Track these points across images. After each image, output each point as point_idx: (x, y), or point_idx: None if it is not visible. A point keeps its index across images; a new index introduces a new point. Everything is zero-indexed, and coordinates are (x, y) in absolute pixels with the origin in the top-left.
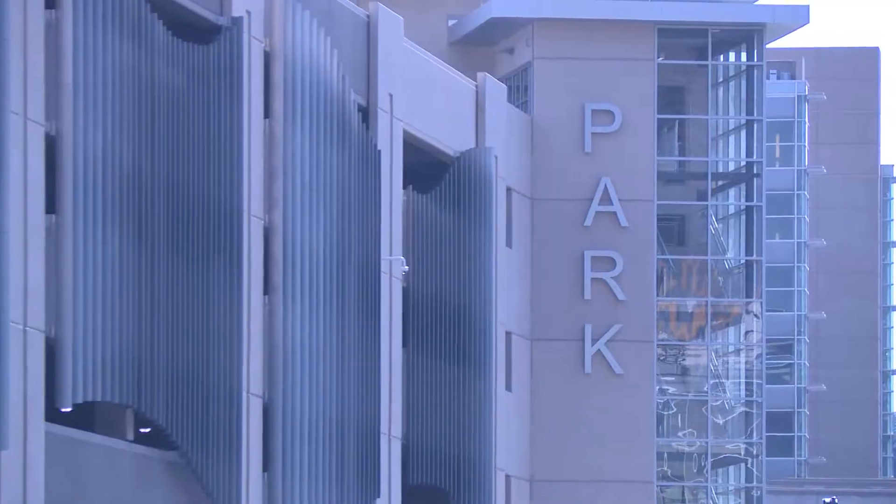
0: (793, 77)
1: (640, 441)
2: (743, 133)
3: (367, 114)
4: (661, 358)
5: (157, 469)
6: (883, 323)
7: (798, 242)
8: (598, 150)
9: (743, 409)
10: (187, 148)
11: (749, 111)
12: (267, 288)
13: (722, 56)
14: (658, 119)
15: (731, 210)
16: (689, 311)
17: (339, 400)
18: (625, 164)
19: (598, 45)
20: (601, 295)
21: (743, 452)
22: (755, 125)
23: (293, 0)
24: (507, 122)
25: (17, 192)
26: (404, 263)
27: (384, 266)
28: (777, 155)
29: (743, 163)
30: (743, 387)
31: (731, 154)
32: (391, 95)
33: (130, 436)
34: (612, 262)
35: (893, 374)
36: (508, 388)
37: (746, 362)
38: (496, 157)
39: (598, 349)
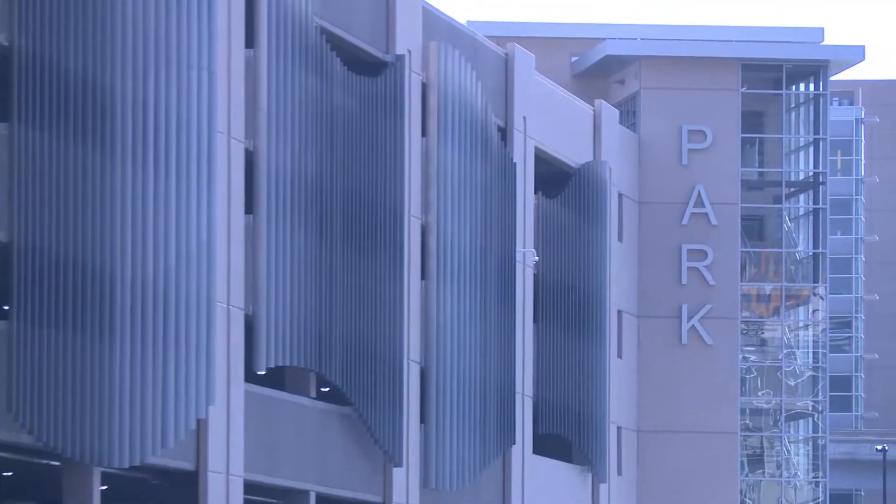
0: (851, 103)
1: (726, 399)
2: (811, 149)
3: (504, 133)
4: (744, 332)
5: (334, 421)
6: None
7: (855, 238)
8: (692, 163)
9: (810, 373)
10: (359, 161)
11: (815, 131)
12: (424, 274)
13: (794, 86)
14: (742, 137)
15: (801, 211)
16: (767, 293)
17: (482, 365)
18: (714, 174)
19: (693, 78)
20: (695, 280)
21: (810, 408)
22: (820, 143)
23: (445, 41)
24: (619, 139)
25: (223, 197)
26: (535, 255)
27: (518, 257)
28: (838, 167)
29: (811, 173)
30: (810, 355)
31: (801, 166)
32: (525, 118)
33: (313, 394)
34: (704, 254)
35: None
36: (619, 355)
37: (813, 335)
38: (610, 169)
39: (693, 325)
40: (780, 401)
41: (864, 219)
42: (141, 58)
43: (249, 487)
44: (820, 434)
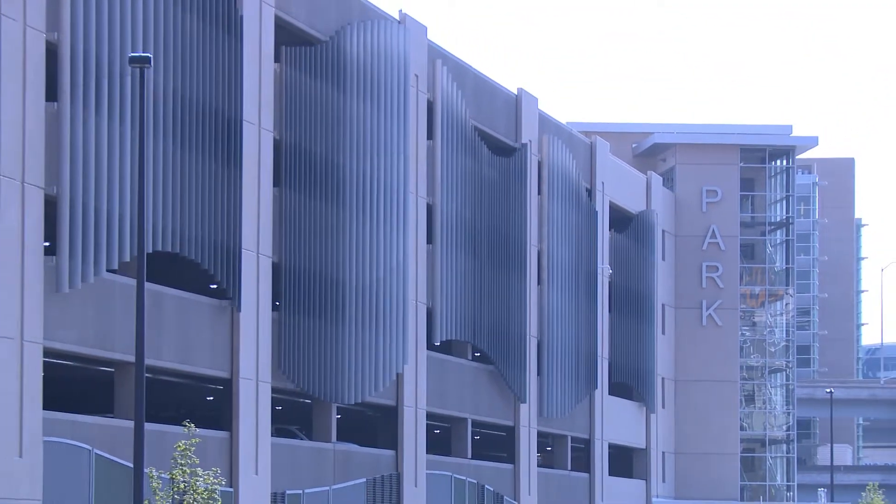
0: (810, 172)
1: (729, 360)
2: (784, 202)
3: (590, 192)
4: (742, 317)
5: (483, 374)
6: (856, 299)
7: (812, 258)
8: (709, 210)
9: (784, 343)
10: (498, 211)
11: (786, 190)
12: (539, 281)
13: (773, 162)
14: (740, 194)
15: (778, 241)
16: (756, 293)
17: (576, 339)
18: (723, 217)
19: (710, 156)
20: (711, 285)
21: (784, 366)
22: (790, 197)
23: (552, 134)
24: (662, 196)
25: (412, 235)
26: (609, 269)
27: (599, 271)
28: (801, 213)
29: (784, 217)
30: (784, 332)
31: (778, 212)
32: (603, 182)
33: (470, 357)
34: (716, 268)
35: (859, 326)
36: (663, 332)
37: (785, 319)
38: (657, 214)
39: (709, 313)
40: (765, 361)
41: (818, 245)
42: (362, 146)
43: (430, 416)
44: (790, 382)
